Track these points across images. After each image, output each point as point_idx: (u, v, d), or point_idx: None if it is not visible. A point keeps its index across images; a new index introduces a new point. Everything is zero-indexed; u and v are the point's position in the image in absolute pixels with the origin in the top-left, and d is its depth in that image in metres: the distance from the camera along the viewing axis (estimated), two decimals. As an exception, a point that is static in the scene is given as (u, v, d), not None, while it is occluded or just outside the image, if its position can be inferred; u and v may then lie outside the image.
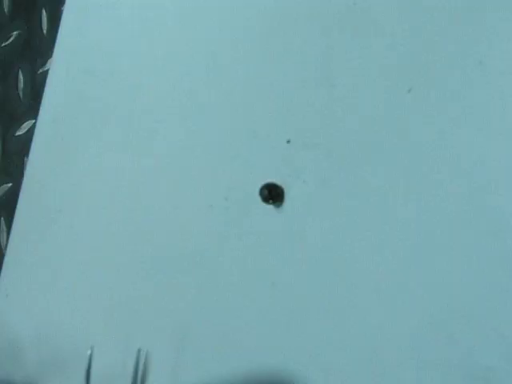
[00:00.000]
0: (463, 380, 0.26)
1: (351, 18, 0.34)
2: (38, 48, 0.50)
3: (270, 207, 0.33)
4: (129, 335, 0.34)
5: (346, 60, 0.34)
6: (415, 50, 0.32)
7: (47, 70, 0.48)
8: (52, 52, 0.48)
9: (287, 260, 0.32)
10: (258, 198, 0.33)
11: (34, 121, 0.47)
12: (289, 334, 0.31)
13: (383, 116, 0.32)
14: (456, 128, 0.30)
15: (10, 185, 0.47)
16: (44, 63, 0.49)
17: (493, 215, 0.27)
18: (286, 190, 0.33)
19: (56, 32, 0.48)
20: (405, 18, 0.32)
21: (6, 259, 0.42)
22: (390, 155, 0.31)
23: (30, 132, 0.46)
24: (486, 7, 0.31)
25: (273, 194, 0.33)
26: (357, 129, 0.32)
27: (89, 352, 0.33)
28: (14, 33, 0.52)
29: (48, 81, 0.47)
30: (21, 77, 0.50)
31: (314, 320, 0.30)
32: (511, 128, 0.28)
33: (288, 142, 0.34)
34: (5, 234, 0.44)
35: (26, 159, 0.45)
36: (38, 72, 0.49)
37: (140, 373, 0.32)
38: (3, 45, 0.52)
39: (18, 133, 0.48)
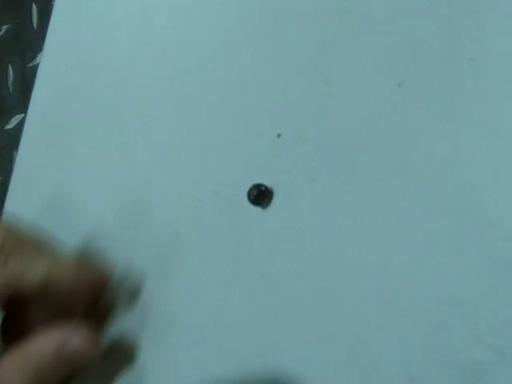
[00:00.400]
0: (452, 372, 0.26)
1: (343, 14, 0.34)
2: (27, 42, 0.50)
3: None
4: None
5: (338, 55, 0.34)
6: (406, 45, 0.32)
7: (37, 64, 0.48)
8: (42, 46, 0.48)
9: (276, 254, 0.32)
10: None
11: (23, 115, 0.47)
12: (276, 326, 0.31)
13: (374, 111, 0.32)
14: (446, 123, 0.30)
15: (-1, 179, 0.46)
16: (34, 57, 0.49)
17: (483, 209, 0.28)
18: (275, 184, 0.33)
19: (46, 26, 0.48)
20: (395, 13, 0.33)
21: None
22: (382, 150, 0.31)
23: (20, 126, 0.46)
24: (477, 3, 0.31)
25: (260, 197, 0.33)
26: (348, 124, 0.32)
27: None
28: (4, 27, 0.51)
29: (38, 75, 0.47)
30: (10, 71, 0.49)
31: (302, 312, 0.30)
32: (502, 124, 0.28)
33: (278, 136, 0.34)
34: (-6, 229, 0.44)
35: (15, 153, 0.45)
36: (28, 66, 0.49)
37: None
38: (-7, 38, 0.51)
39: (7, 127, 0.47)
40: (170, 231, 0.35)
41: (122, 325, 0.34)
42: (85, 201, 0.39)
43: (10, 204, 0.44)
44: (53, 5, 0.49)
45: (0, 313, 0.32)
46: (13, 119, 0.46)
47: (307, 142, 0.33)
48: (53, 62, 0.46)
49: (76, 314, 0.32)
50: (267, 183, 0.33)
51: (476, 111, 0.29)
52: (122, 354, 0.34)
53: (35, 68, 0.47)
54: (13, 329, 0.32)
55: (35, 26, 0.48)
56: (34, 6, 0.49)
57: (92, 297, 0.33)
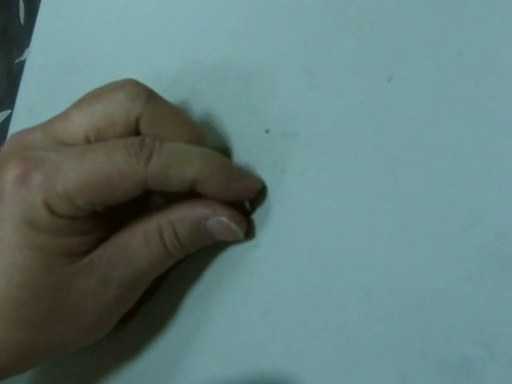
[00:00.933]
0: (439, 367, 0.26)
1: (330, 7, 0.34)
2: (14, 38, 0.50)
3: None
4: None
5: (326, 49, 0.34)
6: (395, 38, 0.32)
7: (24, 60, 0.47)
8: (29, 42, 0.48)
9: (265, 250, 0.32)
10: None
11: (10, 111, 0.46)
12: (266, 321, 0.31)
13: (363, 105, 0.32)
14: (436, 118, 0.30)
15: (-15, 176, 0.46)
16: (21, 53, 0.48)
17: (472, 203, 0.27)
18: (264, 180, 0.33)
19: (33, 22, 0.48)
20: (384, 7, 0.32)
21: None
22: (370, 145, 0.31)
23: (6, 122, 0.46)
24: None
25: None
26: (336, 118, 0.32)
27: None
28: (-9, 22, 0.51)
29: (25, 71, 0.46)
30: (-3, 67, 0.49)
31: (288, 307, 0.30)
32: (491, 118, 0.28)
33: (267, 131, 0.34)
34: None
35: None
36: (15, 62, 0.48)
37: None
38: (-21, 34, 0.51)
39: (-6, 123, 0.47)
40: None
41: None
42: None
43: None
44: (40, 0, 0.48)
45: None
46: (-1, 115, 0.46)
47: (295, 136, 0.33)
48: (40, 58, 0.46)
49: None
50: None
51: (465, 105, 0.29)
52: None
53: (22, 64, 0.47)
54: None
55: (22, 21, 0.48)
56: (21, 1, 0.49)
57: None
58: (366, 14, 0.33)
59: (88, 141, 0.28)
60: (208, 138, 0.33)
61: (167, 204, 0.30)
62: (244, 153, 0.34)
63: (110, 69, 0.42)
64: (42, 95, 0.44)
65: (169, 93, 0.35)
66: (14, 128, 0.45)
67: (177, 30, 0.40)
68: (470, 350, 0.26)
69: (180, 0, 0.40)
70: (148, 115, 0.28)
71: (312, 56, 0.34)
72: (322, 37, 0.34)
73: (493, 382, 0.25)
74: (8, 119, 0.45)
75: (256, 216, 0.33)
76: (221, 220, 0.29)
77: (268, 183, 0.33)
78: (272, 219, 0.32)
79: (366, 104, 0.31)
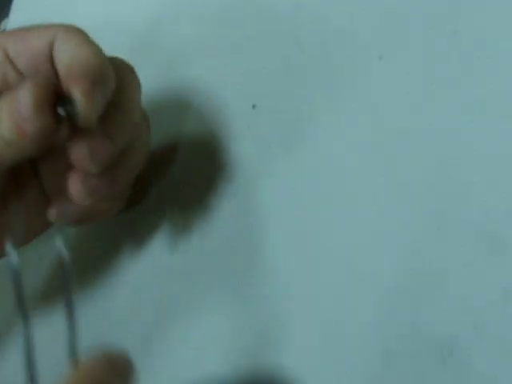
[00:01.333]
0: (426, 348, 0.26)
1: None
2: (-7, 7, 0.48)
3: (232, 173, 0.32)
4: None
5: (316, 24, 0.33)
6: (386, 16, 0.31)
7: (3, 30, 0.46)
8: (8, 12, 0.47)
9: (250, 227, 0.31)
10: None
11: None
12: (250, 308, 0.30)
13: (353, 82, 0.31)
14: (427, 98, 0.29)
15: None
16: (-1, 24, 0.47)
17: (462, 183, 0.27)
18: (251, 156, 0.32)
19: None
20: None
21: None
22: (360, 121, 0.30)
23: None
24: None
25: None
26: (326, 96, 0.32)
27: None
28: (-32, -9, 0.50)
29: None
30: (-25, 37, 0.48)
31: (275, 289, 0.30)
32: (482, 99, 0.28)
33: (254, 106, 0.33)
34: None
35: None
36: (-7, 32, 0.47)
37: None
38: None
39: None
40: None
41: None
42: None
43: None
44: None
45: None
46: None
47: (282, 112, 0.32)
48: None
49: None
50: (242, 153, 0.33)
51: (457, 85, 0.29)
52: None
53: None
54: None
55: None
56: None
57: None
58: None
59: None
60: (193, 114, 0.32)
61: None
62: (230, 127, 0.33)
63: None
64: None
65: (150, 70, 0.34)
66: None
67: (157, 12, 0.39)
68: (457, 331, 0.26)
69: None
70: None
71: (301, 31, 0.33)
72: (311, 11, 0.33)
73: (478, 360, 0.25)
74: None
75: (243, 191, 0.32)
76: None
77: (254, 159, 0.32)
78: (256, 195, 0.32)
79: (356, 80, 0.31)
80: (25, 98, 0.24)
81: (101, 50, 0.27)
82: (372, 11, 0.32)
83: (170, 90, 0.36)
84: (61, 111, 0.25)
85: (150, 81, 0.31)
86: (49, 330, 0.30)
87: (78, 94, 0.24)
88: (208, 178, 0.33)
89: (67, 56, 0.26)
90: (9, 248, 0.25)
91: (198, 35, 0.37)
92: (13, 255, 0.25)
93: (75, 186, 0.27)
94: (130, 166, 0.29)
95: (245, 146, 0.33)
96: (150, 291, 0.33)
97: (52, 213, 0.29)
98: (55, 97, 0.25)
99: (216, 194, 0.32)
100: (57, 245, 0.26)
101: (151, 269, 0.33)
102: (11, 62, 0.28)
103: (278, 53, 0.33)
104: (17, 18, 0.46)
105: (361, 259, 0.28)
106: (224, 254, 0.31)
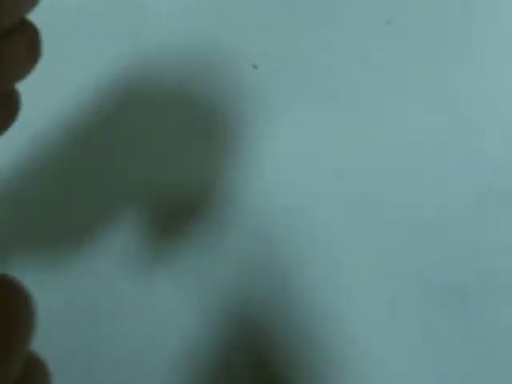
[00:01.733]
0: (438, 295, 0.27)
1: None
2: None
3: (232, 126, 0.31)
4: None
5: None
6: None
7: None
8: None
9: (253, 185, 0.31)
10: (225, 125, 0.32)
11: None
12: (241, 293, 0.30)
13: (360, 47, 0.31)
14: (435, 63, 0.30)
15: None
16: None
17: (472, 139, 0.28)
18: (249, 117, 0.32)
19: None
20: None
21: None
22: (368, 84, 0.30)
23: None
24: None
25: None
26: (332, 60, 0.31)
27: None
28: None
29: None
30: None
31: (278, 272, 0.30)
32: (491, 66, 0.29)
33: (255, 66, 0.33)
34: None
35: None
36: None
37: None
38: None
39: None
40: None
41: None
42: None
43: None
44: None
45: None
46: None
47: (284, 71, 0.32)
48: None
49: None
50: (241, 114, 0.32)
51: (466, 51, 0.29)
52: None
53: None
54: None
55: None
56: None
57: None
58: None
59: None
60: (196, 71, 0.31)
61: None
62: (230, 88, 0.33)
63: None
64: None
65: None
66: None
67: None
68: (469, 279, 0.27)
69: None
70: None
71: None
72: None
73: (491, 309, 0.27)
74: None
75: (244, 152, 0.32)
76: None
77: (254, 119, 0.32)
78: (261, 154, 0.31)
79: (363, 45, 0.31)
80: None
81: None
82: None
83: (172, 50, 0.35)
84: None
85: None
86: None
87: None
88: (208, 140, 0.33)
89: None
90: None
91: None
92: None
93: None
94: None
95: (244, 106, 0.32)
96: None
97: None
98: None
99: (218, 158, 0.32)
100: None
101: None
102: None
103: (281, 14, 0.33)
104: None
105: (368, 209, 0.29)
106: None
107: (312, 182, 0.31)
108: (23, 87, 0.22)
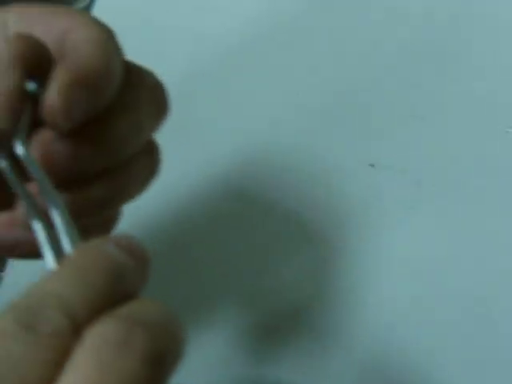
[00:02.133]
0: None
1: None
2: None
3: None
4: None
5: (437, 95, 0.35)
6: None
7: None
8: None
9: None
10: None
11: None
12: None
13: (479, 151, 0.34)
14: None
15: None
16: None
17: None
18: (367, 211, 0.34)
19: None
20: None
21: None
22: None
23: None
24: None
25: None
26: (445, 156, 0.34)
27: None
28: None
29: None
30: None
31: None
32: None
33: (372, 165, 0.34)
34: None
35: None
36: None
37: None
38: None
39: None
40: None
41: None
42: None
43: None
44: None
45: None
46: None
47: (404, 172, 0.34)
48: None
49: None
50: (358, 211, 0.34)
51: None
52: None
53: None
54: None
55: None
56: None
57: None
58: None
59: None
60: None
61: None
62: (348, 187, 0.34)
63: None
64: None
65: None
66: None
67: None
68: None
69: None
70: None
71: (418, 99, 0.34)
72: (431, 80, 0.34)
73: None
74: None
75: (365, 248, 0.33)
76: None
77: (374, 217, 0.33)
78: (382, 256, 0.33)
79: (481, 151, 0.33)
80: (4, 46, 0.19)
81: (118, 60, 0.21)
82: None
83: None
84: (31, 86, 0.19)
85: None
86: None
87: (54, 84, 0.19)
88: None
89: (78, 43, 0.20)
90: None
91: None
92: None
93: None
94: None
95: (361, 205, 0.34)
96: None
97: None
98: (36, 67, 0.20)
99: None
100: None
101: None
102: None
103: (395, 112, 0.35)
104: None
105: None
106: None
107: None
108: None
